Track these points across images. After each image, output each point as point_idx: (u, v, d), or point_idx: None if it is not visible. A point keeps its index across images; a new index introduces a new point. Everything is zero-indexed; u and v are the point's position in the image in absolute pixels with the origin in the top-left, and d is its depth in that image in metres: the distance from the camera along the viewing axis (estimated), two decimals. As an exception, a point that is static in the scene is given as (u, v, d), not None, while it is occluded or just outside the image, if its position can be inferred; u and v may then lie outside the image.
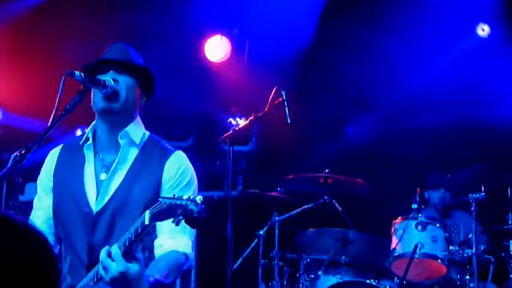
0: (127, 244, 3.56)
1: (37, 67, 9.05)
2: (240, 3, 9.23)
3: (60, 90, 3.79)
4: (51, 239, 4.17)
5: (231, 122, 9.30)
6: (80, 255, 4.00)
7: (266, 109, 7.12)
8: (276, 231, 7.86)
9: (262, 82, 8.57)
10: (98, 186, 4.07)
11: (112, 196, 4.02)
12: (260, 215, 8.30)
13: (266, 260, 7.88)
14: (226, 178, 7.18)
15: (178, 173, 4.08)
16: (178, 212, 3.42)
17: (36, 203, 4.32)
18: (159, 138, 4.29)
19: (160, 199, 3.49)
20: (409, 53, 9.13)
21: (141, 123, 4.25)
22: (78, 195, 4.10)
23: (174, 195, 3.47)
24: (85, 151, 4.14)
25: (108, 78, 3.98)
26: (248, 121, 7.13)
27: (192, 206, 3.40)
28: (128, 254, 3.56)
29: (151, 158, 4.11)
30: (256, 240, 7.97)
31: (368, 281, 7.20)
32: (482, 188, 7.20)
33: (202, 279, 8.62)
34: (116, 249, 3.54)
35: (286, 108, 7.08)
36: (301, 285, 7.58)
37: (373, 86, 9.31)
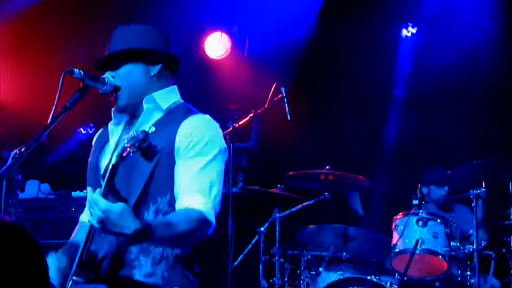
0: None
1: (37, 65, 9.05)
2: (239, 0, 9.23)
3: (59, 88, 3.79)
4: None
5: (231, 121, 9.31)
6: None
7: (266, 106, 7.12)
8: (277, 227, 7.87)
9: (262, 79, 8.57)
10: (114, 150, 4.01)
11: (124, 157, 3.85)
12: (261, 212, 8.30)
13: (267, 257, 7.89)
14: (227, 175, 7.15)
15: (194, 133, 3.88)
16: (132, 143, 3.51)
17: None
18: (191, 105, 4.14)
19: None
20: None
21: (177, 92, 4.17)
22: (93, 166, 4.10)
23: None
24: (109, 128, 4.15)
25: (106, 76, 3.98)
26: (248, 118, 7.13)
27: (140, 135, 3.48)
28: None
29: (173, 120, 3.96)
30: (256, 237, 7.98)
31: (369, 277, 7.19)
32: (483, 183, 7.19)
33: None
34: (95, 193, 3.51)
35: (286, 104, 7.08)
36: (302, 281, 7.58)
37: (374, 82, 9.31)
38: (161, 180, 3.86)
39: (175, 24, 8.90)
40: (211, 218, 3.85)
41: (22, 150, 3.51)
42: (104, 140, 4.18)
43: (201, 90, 9.24)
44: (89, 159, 4.25)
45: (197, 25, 9.45)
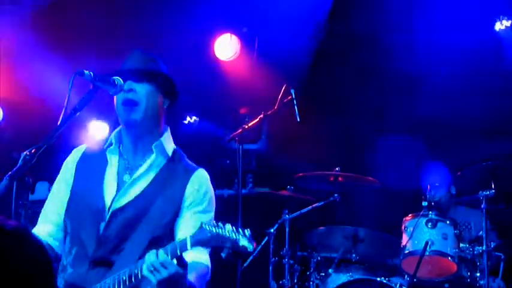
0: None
1: (48, 66, 9.07)
2: (249, 1, 9.23)
3: (69, 89, 3.81)
4: (57, 230, 4.27)
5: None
6: (87, 249, 4.05)
7: (275, 107, 7.12)
8: (287, 229, 7.87)
9: (271, 80, 8.58)
10: (119, 185, 4.14)
11: (134, 199, 4.10)
12: (270, 213, 8.30)
13: (277, 258, 7.90)
14: (236, 176, 7.17)
15: (200, 191, 4.19)
16: (228, 245, 3.54)
17: (52, 194, 4.38)
18: (184, 154, 4.38)
19: (203, 225, 3.62)
20: (420, 49, 9.12)
21: (171, 136, 4.34)
22: (95, 192, 4.16)
23: (217, 223, 3.60)
24: (107, 154, 4.24)
25: (116, 77, 4.01)
26: (258, 119, 7.13)
27: (244, 242, 3.52)
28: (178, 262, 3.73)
29: (176, 172, 4.20)
30: (266, 238, 7.98)
31: (378, 279, 7.19)
32: (493, 185, 7.17)
33: (212, 278, 8.63)
34: (163, 255, 3.66)
35: (296, 106, 7.08)
36: (311, 283, 7.58)
37: (384, 83, 9.30)
38: (164, 229, 4.10)
39: (186, 26, 8.94)
40: (209, 271, 4.24)
41: (32, 151, 3.52)
42: (102, 162, 4.25)
43: (211, 92, 9.26)
44: (71, 175, 4.30)
45: (207, 27, 9.46)
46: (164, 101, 4.26)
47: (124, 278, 3.83)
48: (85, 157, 4.34)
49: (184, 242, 3.65)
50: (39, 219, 4.38)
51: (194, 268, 4.01)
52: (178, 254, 3.67)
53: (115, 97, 4.13)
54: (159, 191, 4.10)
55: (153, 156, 4.17)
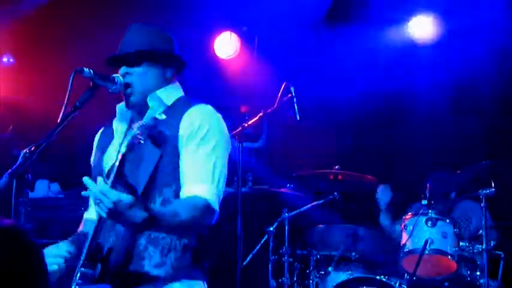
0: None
1: (48, 65, 9.08)
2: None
3: (69, 87, 3.81)
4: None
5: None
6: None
7: (275, 105, 7.12)
8: (286, 227, 7.87)
9: (271, 78, 8.58)
10: (120, 147, 4.00)
11: (126, 151, 3.87)
12: (270, 212, 8.30)
13: (276, 257, 7.90)
14: (236, 175, 7.15)
15: (196, 122, 3.95)
16: (142, 130, 3.64)
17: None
18: (191, 97, 4.20)
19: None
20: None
21: (180, 88, 4.23)
22: (97, 164, 4.16)
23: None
24: (114, 125, 4.19)
25: (115, 75, 4.00)
26: (257, 118, 7.13)
27: (150, 122, 3.54)
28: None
29: (175, 112, 4.02)
30: (266, 236, 7.98)
31: (378, 277, 7.20)
32: (493, 183, 7.17)
33: (212, 276, 8.63)
34: (102, 184, 3.53)
35: (295, 104, 7.08)
36: (311, 281, 7.59)
37: (384, 81, 9.29)
38: (167, 171, 3.90)
39: (185, 24, 8.92)
40: (215, 205, 3.93)
41: (32, 149, 3.52)
42: (108, 139, 4.22)
43: (211, 90, 9.25)
44: (92, 158, 4.31)
45: (207, 25, 9.46)
46: (166, 71, 4.15)
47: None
48: (100, 138, 4.32)
49: (100, 179, 3.56)
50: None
51: (179, 200, 3.84)
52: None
53: None
54: (154, 135, 3.92)
55: (149, 108, 4.03)
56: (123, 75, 4.06)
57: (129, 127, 4.12)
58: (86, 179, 3.56)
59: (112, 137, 4.19)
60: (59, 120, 3.71)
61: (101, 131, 4.38)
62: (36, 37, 9.34)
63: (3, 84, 9.47)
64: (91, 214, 4.26)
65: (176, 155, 3.92)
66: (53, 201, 7.88)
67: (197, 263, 3.95)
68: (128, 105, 4.11)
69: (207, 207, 3.87)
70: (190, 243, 3.91)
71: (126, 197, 3.55)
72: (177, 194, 3.90)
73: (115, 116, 4.24)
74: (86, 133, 8.43)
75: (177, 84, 4.24)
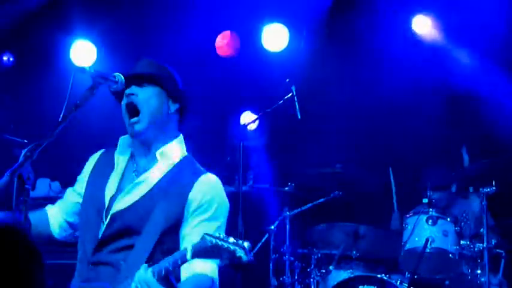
0: (162, 274, 3.66)
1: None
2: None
3: (70, 86, 3.81)
4: (67, 220, 4.34)
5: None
6: (87, 252, 4.04)
7: (276, 104, 7.12)
8: (287, 226, 7.87)
9: (272, 77, 8.57)
10: (121, 188, 4.11)
11: (135, 202, 4.04)
12: (271, 210, 8.31)
13: (277, 255, 7.90)
14: (237, 173, 7.16)
15: (205, 198, 4.03)
16: (224, 256, 3.47)
17: (66, 194, 4.44)
18: (195, 161, 4.27)
19: (204, 235, 3.54)
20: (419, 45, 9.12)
21: (183, 143, 4.29)
22: (97, 194, 4.14)
23: (219, 234, 3.52)
24: (115, 157, 4.21)
25: (118, 74, 4.00)
26: (259, 116, 7.13)
27: (241, 253, 3.43)
28: (164, 281, 3.67)
29: (182, 177, 4.09)
30: (267, 235, 7.98)
31: (379, 276, 7.20)
32: (493, 182, 7.16)
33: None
34: (150, 275, 3.65)
35: (296, 103, 7.08)
36: (312, 280, 7.59)
37: (384, 80, 9.28)
38: (166, 235, 4.00)
39: (189, 24, 8.93)
40: (217, 280, 4.05)
41: (33, 148, 3.52)
42: (108, 169, 4.23)
43: (214, 88, 9.23)
44: (85, 177, 4.32)
45: (209, 24, 9.45)
46: (171, 105, 4.20)
47: None
48: (99, 160, 4.33)
49: (184, 252, 3.60)
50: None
51: (193, 281, 3.94)
52: (179, 263, 3.63)
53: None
54: (162, 196, 4.02)
55: (158, 162, 4.11)
56: (128, 96, 4.09)
57: (131, 160, 4.20)
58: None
59: (112, 168, 4.21)
60: (59, 119, 3.70)
61: (100, 153, 4.40)
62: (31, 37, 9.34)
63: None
64: (50, 210, 4.41)
65: (181, 221, 4.02)
66: (54, 200, 7.85)
67: None
68: (133, 135, 4.13)
69: (213, 286, 4.01)
70: None
71: None
72: (166, 253, 3.93)
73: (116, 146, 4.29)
74: (88, 132, 8.48)
75: (181, 137, 4.30)
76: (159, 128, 4.15)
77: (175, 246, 3.97)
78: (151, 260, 3.88)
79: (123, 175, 4.16)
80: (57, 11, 8.95)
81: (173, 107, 4.21)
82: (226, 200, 4.18)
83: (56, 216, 4.37)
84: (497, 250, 7.30)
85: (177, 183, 4.05)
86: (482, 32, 8.60)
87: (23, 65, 9.26)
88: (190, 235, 3.95)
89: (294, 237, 7.95)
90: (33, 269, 2.07)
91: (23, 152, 3.52)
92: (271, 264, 7.93)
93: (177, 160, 4.16)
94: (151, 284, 3.64)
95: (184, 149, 4.28)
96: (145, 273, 3.66)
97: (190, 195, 4.01)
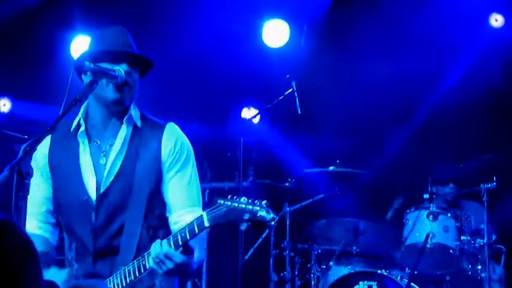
0: (180, 243, 3.66)
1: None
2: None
3: (69, 80, 3.81)
4: (49, 222, 4.21)
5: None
6: (85, 243, 4.01)
7: (277, 100, 7.12)
8: (287, 221, 7.87)
9: (272, 72, 8.56)
10: (98, 172, 4.04)
11: (114, 179, 4.00)
12: (271, 206, 8.28)
13: (277, 251, 7.90)
14: (237, 169, 7.16)
15: (176, 147, 4.06)
16: (246, 218, 3.47)
17: (32, 186, 3.77)
18: (146, 112, 4.23)
19: (219, 201, 3.54)
20: (420, 44, 9.11)
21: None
22: (75, 184, 4.06)
23: (233, 196, 3.53)
24: (79, 138, 4.09)
25: (116, 68, 3.96)
26: (259, 111, 7.13)
27: (262, 213, 3.43)
28: (184, 250, 3.69)
29: (146, 135, 4.08)
30: (267, 231, 7.99)
31: (379, 271, 7.20)
32: (494, 178, 7.16)
33: (214, 270, 8.64)
34: (167, 247, 3.65)
35: (297, 98, 7.08)
36: (312, 275, 7.59)
37: (385, 77, 9.27)
38: (153, 198, 4.01)
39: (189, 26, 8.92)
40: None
41: (33, 143, 3.52)
42: (74, 151, 4.10)
43: (212, 84, 9.23)
44: (45, 165, 4.15)
45: (209, 21, 9.44)
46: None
47: (132, 269, 3.82)
48: (54, 147, 4.15)
49: (201, 220, 3.58)
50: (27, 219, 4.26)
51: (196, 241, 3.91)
52: (197, 232, 3.61)
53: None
54: (136, 161, 4.00)
55: (121, 130, 4.04)
56: (128, 74, 4.01)
57: (91, 141, 4.10)
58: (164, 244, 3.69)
59: (77, 151, 4.09)
60: (59, 114, 3.70)
61: (50, 138, 4.12)
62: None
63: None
64: (35, 229, 4.17)
65: (160, 179, 4.03)
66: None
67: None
68: (117, 103, 4.00)
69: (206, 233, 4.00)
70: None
71: (186, 258, 3.70)
72: (159, 218, 4.03)
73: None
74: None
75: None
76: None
77: (162, 209, 4.03)
78: (147, 230, 3.92)
79: (92, 159, 4.06)
80: (58, 6, 8.93)
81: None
82: (190, 145, 4.19)
83: (44, 232, 4.20)
84: (498, 246, 7.31)
85: (145, 142, 4.04)
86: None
87: (23, 60, 9.23)
88: (172, 192, 4.02)
89: (295, 233, 7.95)
90: (27, 263, 2.06)
91: (23, 147, 3.51)
92: (271, 260, 7.93)
93: (139, 123, 4.10)
94: (174, 256, 3.65)
95: (136, 107, 4.18)
96: (161, 247, 3.66)
97: (163, 151, 4.03)
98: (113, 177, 4.00)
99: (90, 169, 4.05)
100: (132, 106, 4.09)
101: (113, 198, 3.98)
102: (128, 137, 4.06)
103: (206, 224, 3.56)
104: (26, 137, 7.15)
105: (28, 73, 9.12)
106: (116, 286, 3.86)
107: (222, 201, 3.51)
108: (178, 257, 3.65)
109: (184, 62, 8.68)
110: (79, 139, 4.10)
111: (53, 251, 4.19)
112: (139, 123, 4.10)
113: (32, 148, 3.47)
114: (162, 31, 9.00)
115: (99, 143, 4.09)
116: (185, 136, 4.17)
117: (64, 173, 4.11)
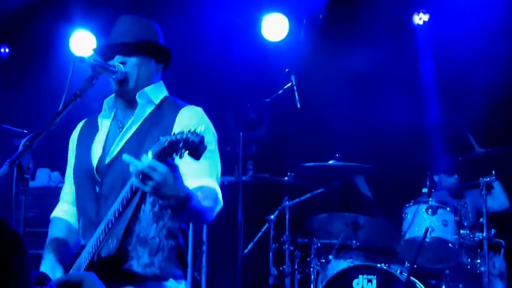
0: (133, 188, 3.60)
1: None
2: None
3: (69, 76, 3.80)
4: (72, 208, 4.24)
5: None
6: (90, 215, 3.97)
7: (276, 94, 7.12)
8: (287, 215, 7.89)
9: (272, 67, 8.56)
10: (107, 145, 4.04)
11: (120, 151, 3.96)
12: (271, 200, 8.31)
13: (277, 245, 7.92)
14: (237, 163, 7.17)
15: (191, 123, 3.73)
16: (180, 146, 3.35)
17: (67, 170, 4.33)
18: (176, 97, 4.20)
19: (160, 137, 3.43)
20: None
21: (164, 87, 4.21)
22: (85, 157, 4.10)
23: (173, 132, 3.41)
24: (99, 120, 4.16)
25: (116, 63, 3.98)
26: (258, 106, 7.13)
27: (192, 137, 3.33)
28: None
29: (164, 113, 4.04)
30: (267, 224, 8.00)
31: (379, 265, 7.20)
32: (494, 171, 7.16)
33: (213, 264, 8.65)
34: (147, 158, 3.43)
35: (296, 92, 7.08)
36: (312, 269, 7.59)
37: (384, 70, 9.28)
38: None
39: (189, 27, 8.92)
40: (221, 197, 3.92)
41: (32, 138, 3.52)
42: (93, 130, 4.18)
43: (212, 79, 9.23)
44: (73, 149, 4.26)
45: (209, 18, 9.43)
46: (158, 66, 4.17)
47: (119, 205, 3.71)
48: (83, 129, 4.28)
49: (145, 157, 3.43)
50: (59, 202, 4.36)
51: (200, 189, 3.76)
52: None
53: None
54: (145, 136, 3.94)
55: (138, 109, 4.05)
56: (121, 64, 4.03)
57: (114, 120, 4.14)
58: (125, 156, 3.51)
59: (97, 130, 4.16)
60: (59, 109, 3.70)
61: (82, 123, 4.33)
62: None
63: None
64: (60, 212, 4.29)
65: None
66: (54, 190, 7.86)
67: (182, 263, 3.97)
68: (119, 93, 4.08)
69: (218, 198, 3.88)
70: (177, 244, 3.94)
71: (168, 169, 3.46)
72: None
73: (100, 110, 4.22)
74: None
75: (162, 83, 4.22)
76: (144, 85, 4.08)
77: None
78: (152, 205, 3.83)
79: (107, 135, 4.09)
80: (57, 0, 8.94)
81: (160, 67, 4.18)
82: (213, 127, 4.07)
83: (71, 216, 4.25)
84: (497, 239, 7.31)
85: (160, 121, 3.98)
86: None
87: (22, 55, 9.23)
88: (184, 164, 3.64)
89: (294, 227, 7.96)
90: (12, 257, 2.06)
91: (23, 141, 3.51)
92: (271, 254, 7.95)
93: (157, 100, 4.08)
94: (154, 164, 3.41)
95: (166, 91, 4.19)
96: (142, 161, 3.45)
97: (175, 127, 3.90)
98: (118, 150, 3.96)
99: (100, 143, 4.08)
100: (151, 87, 4.10)
101: (116, 170, 3.92)
102: (145, 115, 4.05)
103: (150, 157, 3.41)
104: (26, 131, 7.16)
105: (27, 68, 9.12)
106: (108, 224, 3.76)
107: (163, 138, 3.43)
108: (162, 166, 3.40)
109: (182, 55, 8.65)
110: (99, 120, 4.16)
111: (72, 236, 4.16)
112: (157, 101, 4.08)
113: (32, 143, 3.47)
114: (161, 24, 8.98)
115: (120, 120, 4.12)
116: (208, 120, 4.07)
117: (81, 150, 4.17)
